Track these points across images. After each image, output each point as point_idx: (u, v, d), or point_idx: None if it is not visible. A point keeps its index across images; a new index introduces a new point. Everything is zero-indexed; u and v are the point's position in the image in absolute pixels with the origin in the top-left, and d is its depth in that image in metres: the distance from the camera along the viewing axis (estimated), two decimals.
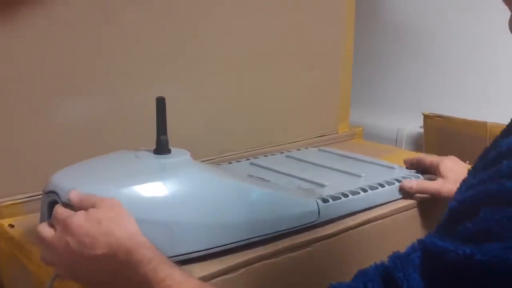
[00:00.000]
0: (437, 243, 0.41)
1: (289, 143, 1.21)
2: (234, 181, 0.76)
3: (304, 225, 0.78)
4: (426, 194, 0.90)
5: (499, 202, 0.38)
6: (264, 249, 0.73)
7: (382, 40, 1.36)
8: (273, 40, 1.15)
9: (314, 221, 0.78)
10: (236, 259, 0.70)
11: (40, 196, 0.70)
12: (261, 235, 0.74)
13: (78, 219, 0.58)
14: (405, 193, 0.91)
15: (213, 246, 0.69)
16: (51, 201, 0.66)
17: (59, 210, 0.60)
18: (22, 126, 0.87)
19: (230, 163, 1.05)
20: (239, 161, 1.05)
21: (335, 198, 0.82)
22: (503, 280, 0.36)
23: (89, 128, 0.93)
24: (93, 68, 0.93)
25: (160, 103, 0.71)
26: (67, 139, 0.91)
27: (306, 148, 1.19)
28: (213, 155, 1.07)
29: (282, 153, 1.13)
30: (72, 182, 0.66)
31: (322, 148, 1.18)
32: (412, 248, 0.44)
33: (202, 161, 0.97)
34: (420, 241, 0.44)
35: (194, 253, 0.68)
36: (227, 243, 0.70)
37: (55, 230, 0.60)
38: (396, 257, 0.45)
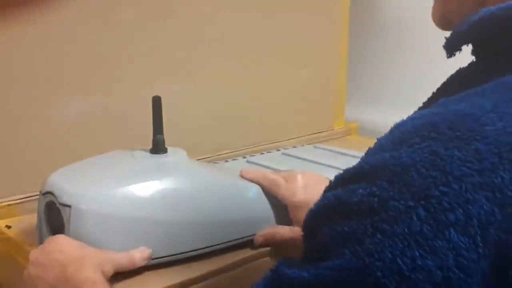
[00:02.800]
0: (283, 270, 0.38)
1: (284, 141, 1.21)
2: (231, 180, 0.76)
3: None
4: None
5: (337, 214, 0.36)
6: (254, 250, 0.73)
7: (377, 36, 1.36)
8: (268, 38, 1.15)
9: None
10: (234, 257, 0.71)
11: (37, 196, 0.70)
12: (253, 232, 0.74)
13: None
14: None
15: (211, 245, 0.69)
16: (49, 202, 0.66)
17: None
18: (18, 127, 0.87)
19: (227, 161, 1.05)
20: (236, 159, 1.05)
21: None
22: None
23: (85, 128, 0.93)
24: (89, 68, 0.93)
25: (156, 102, 0.71)
26: (63, 139, 0.91)
27: (302, 145, 1.19)
28: (209, 153, 1.07)
29: (278, 150, 1.13)
30: (69, 182, 0.66)
31: (317, 145, 1.18)
32: (265, 278, 0.40)
33: (198, 160, 0.97)
34: (271, 269, 0.40)
35: (191, 252, 0.68)
36: (224, 241, 0.71)
37: None
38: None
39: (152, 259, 0.65)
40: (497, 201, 0.32)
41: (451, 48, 0.46)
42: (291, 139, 1.22)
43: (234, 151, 1.10)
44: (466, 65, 0.50)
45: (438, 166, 0.33)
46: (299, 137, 1.24)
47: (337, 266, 0.34)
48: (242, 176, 0.77)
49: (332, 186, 0.39)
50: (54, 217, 0.66)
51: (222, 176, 0.76)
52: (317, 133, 1.28)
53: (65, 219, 0.63)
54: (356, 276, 0.32)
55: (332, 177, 0.41)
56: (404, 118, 0.40)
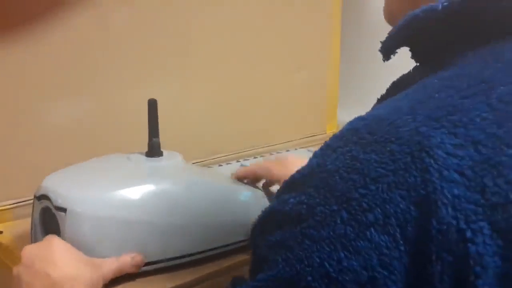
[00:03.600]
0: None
1: (278, 144, 1.20)
2: (226, 184, 0.75)
3: None
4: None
5: (269, 224, 0.37)
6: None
7: (369, 39, 1.36)
8: (261, 42, 1.15)
9: None
10: (230, 260, 0.70)
11: (30, 201, 0.69)
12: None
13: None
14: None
15: (206, 249, 0.69)
16: (44, 207, 0.65)
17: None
18: (10, 130, 0.86)
19: (220, 165, 1.04)
20: (229, 163, 1.05)
21: None
22: None
23: (79, 131, 0.92)
24: (83, 70, 0.92)
25: (152, 105, 0.70)
26: (57, 143, 0.90)
27: (295, 149, 1.19)
28: (203, 157, 1.06)
29: (272, 154, 1.13)
30: (64, 186, 0.65)
31: (311, 149, 1.18)
32: None
33: (193, 163, 0.97)
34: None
35: (188, 257, 0.67)
36: (219, 245, 0.70)
37: None
38: None
39: (147, 263, 0.64)
40: (412, 199, 0.32)
41: (387, 51, 0.47)
42: (284, 142, 1.22)
43: (228, 155, 1.10)
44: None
45: (358, 169, 0.34)
46: (292, 140, 1.23)
47: (270, 277, 0.35)
48: (237, 176, 0.77)
49: (274, 196, 0.40)
50: (49, 221, 0.65)
51: (217, 180, 0.76)
52: (310, 136, 1.28)
53: (60, 222, 0.63)
54: (288, 284, 0.33)
55: None
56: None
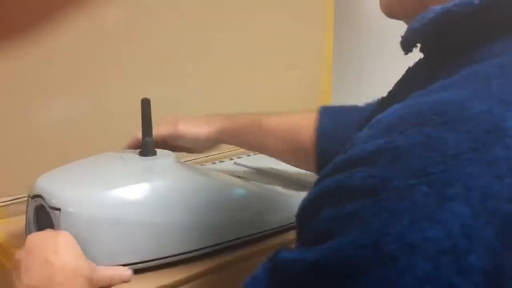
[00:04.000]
0: (283, 255, 0.39)
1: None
2: (220, 181, 0.76)
3: (292, 223, 0.78)
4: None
5: (336, 198, 0.37)
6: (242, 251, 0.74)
7: (362, 36, 1.37)
8: (253, 40, 1.15)
9: None
10: (224, 258, 0.71)
11: (24, 199, 0.69)
12: (251, 235, 0.74)
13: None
14: None
15: (201, 247, 0.69)
16: (38, 205, 0.66)
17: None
18: (4, 128, 0.86)
19: (214, 163, 1.05)
20: (223, 161, 1.05)
21: None
22: (345, 285, 0.34)
23: (72, 130, 0.93)
24: (76, 69, 0.92)
25: (145, 105, 0.70)
26: (50, 141, 0.90)
27: None
28: (196, 155, 1.07)
29: None
30: (58, 185, 0.65)
31: None
32: (263, 267, 0.40)
33: (186, 162, 0.97)
34: (269, 258, 0.41)
35: (181, 255, 0.67)
36: (214, 243, 0.70)
37: None
38: (247, 279, 0.42)
39: (141, 262, 0.65)
40: (493, 173, 0.33)
41: (408, 45, 0.47)
42: None
43: (221, 153, 1.10)
44: (414, 64, 0.52)
45: (433, 147, 0.35)
46: None
47: (346, 244, 0.34)
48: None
49: (328, 173, 0.39)
50: (43, 220, 0.66)
51: (210, 179, 0.76)
52: None
53: (54, 222, 0.63)
54: (365, 250, 0.34)
55: None
56: (380, 116, 0.40)
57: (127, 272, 0.63)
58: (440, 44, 0.46)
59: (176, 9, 1.02)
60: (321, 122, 0.81)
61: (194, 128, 0.83)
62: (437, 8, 0.43)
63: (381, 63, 1.34)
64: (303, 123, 0.83)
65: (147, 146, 0.72)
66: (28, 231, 0.69)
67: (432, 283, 0.32)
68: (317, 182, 0.40)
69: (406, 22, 0.51)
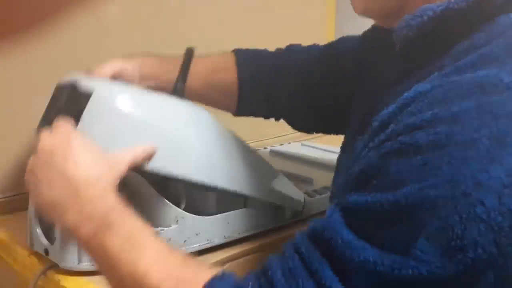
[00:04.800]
0: (356, 199, 0.45)
1: (271, 138, 1.21)
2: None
3: (288, 218, 0.78)
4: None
5: (404, 153, 0.44)
6: (247, 244, 0.74)
7: (364, 27, 1.37)
8: (254, 32, 1.14)
9: (299, 210, 0.79)
10: (219, 255, 0.71)
11: (25, 194, 0.69)
12: (253, 195, 0.74)
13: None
14: None
15: (209, 182, 0.68)
16: (67, 88, 0.65)
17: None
18: (2, 126, 0.86)
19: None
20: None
21: (320, 192, 0.82)
22: (424, 218, 0.42)
23: None
24: (75, 66, 0.92)
25: (189, 53, 0.72)
26: None
27: (289, 143, 1.19)
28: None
29: (266, 148, 1.13)
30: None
31: (304, 142, 1.18)
32: (332, 211, 0.47)
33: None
34: (337, 203, 0.47)
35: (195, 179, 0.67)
36: (220, 185, 0.69)
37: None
38: (318, 222, 0.47)
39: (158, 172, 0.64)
40: None
41: (405, 39, 0.53)
42: (278, 136, 1.22)
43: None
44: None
45: (485, 109, 0.43)
46: (286, 134, 1.24)
47: (423, 186, 0.42)
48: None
49: (383, 140, 0.47)
50: (66, 109, 0.64)
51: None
52: None
53: (83, 107, 0.61)
54: (443, 190, 0.42)
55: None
56: (427, 88, 0.47)
57: (149, 149, 0.61)
58: (440, 37, 0.52)
59: (175, 5, 1.02)
60: (240, 67, 0.83)
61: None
62: (433, 7, 0.50)
63: None
64: (223, 66, 0.85)
65: (178, 91, 0.71)
66: (29, 226, 0.70)
67: (498, 210, 0.41)
68: (374, 147, 0.47)
69: (380, 21, 0.59)
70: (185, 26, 1.04)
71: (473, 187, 0.41)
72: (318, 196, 0.81)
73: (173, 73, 0.73)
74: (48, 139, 0.58)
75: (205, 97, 0.82)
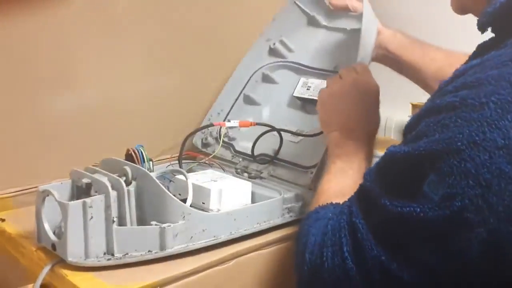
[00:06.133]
0: (390, 149, 0.55)
1: None
2: None
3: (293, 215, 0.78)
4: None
5: (432, 113, 0.51)
6: (253, 241, 0.74)
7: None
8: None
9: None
10: (226, 251, 0.71)
11: (31, 189, 0.70)
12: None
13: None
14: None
15: None
16: None
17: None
18: (10, 121, 0.86)
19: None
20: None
21: None
22: (426, 168, 0.49)
23: (78, 121, 0.93)
24: (81, 63, 0.92)
25: None
26: (55, 133, 0.91)
27: None
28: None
29: None
30: None
31: None
32: (376, 162, 0.58)
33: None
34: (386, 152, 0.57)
35: None
36: None
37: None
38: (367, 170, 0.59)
39: None
40: None
41: (483, 25, 0.58)
42: None
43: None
44: (484, 41, 0.63)
45: (504, 78, 0.48)
46: None
47: (430, 140, 0.50)
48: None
49: (428, 100, 0.55)
50: None
51: None
52: None
53: None
54: (442, 144, 0.48)
55: None
56: (477, 62, 0.54)
57: None
58: (509, 23, 0.56)
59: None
60: None
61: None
62: None
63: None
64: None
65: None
66: (37, 222, 0.70)
67: (487, 168, 0.46)
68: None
69: (476, 14, 0.62)
70: (192, 20, 1.04)
71: (467, 145, 0.47)
72: None
73: (412, 57, 0.92)
74: (338, 82, 0.79)
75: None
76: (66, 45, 0.90)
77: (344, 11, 0.98)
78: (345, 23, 0.99)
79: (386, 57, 0.93)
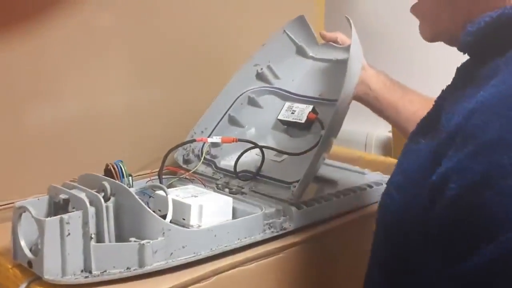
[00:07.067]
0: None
1: None
2: None
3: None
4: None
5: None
6: (234, 257, 0.73)
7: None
8: (244, 33, 1.15)
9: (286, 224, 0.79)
10: (206, 268, 0.70)
11: (3, 206, 0.69)
12: None
13: None
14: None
15: None
16: None
17: None
18: None
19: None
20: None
21: (309, 204, 0.82)
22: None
23: (55, 136, 0.92)
24: (59, 75, 0.91)
25: None
26: (33, 147, 0.89)
27: None
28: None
29: None
30: None
31: None
32: None
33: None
34: None
35: None
36: None
37: None
38: None
39: None
40: None
41: (466, 46, 0.58)
42: None
43: None
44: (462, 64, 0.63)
45: None
46: None
47: None
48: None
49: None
50: None
51: None
52: None
53: None
54: None
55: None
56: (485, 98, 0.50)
57: None
58: (496, 42, 0.54)
59: (170, 10, 1.02)
60: None
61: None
62: (491, 14, 0.54)
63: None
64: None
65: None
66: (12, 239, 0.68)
67: None
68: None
69: (451, 44, 0.62)
70: (178, 30, 1.04)
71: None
72: (306, 208, 0.81)
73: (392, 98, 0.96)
74: None
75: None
76: (44, 56, 0.89)
77: (333, 43, 1.02)
78: (332, 54, 1.04)
79: (367, 94, 0.97)
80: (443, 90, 0.66)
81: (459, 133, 0.50)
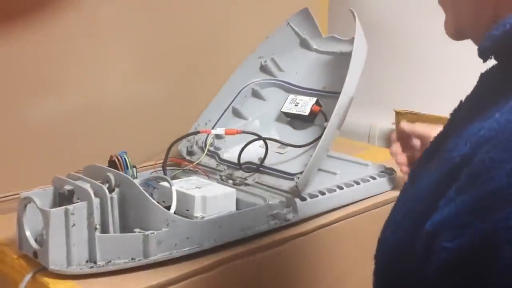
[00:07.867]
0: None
1: None
2: None
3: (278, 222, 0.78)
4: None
5: None
6: (238, 248, 0.73)
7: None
8: (245, 29, 1.15)
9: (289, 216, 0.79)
10: (209, 259, 0.70)
11: (9, 197, 0.69)
12: None
13: None
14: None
15: None
16: None
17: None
18: None
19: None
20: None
21: (312, 196, 0.82)
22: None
23: (60, 128, 0.92)
24: (64, 67, 0.92)
25: None
26: (38, 139, 0.90)
27: None
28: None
29: None
30: None
31: None
32: None
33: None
34: None
35: None
36: None
37: None
38: None
39: None
40: None
41: (485, 52, 0.48)
42: None
43: None
44: (486, 70, 0.52)
45: None
46: None
47: None
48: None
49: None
50: None
51: None
52: None
53: None
54: None
55: None
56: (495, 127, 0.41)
57: None
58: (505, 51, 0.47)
59: (174, 3, 1.02)
60: None
61: None
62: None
63: (373, 61, 1.34)
64: None
65: None
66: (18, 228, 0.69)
67: None
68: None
69: (474, 40, 0.52)
70: (181, 26, 1.04)
71: None
72: (310, 200, 0.81)
73: None
74: None
75: None
76: (49, 50, 0.89)
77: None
78: (335, 47, 1.03)
79: None
80: (461, 101, 0.56)
81: (463, 168, 0.40)
